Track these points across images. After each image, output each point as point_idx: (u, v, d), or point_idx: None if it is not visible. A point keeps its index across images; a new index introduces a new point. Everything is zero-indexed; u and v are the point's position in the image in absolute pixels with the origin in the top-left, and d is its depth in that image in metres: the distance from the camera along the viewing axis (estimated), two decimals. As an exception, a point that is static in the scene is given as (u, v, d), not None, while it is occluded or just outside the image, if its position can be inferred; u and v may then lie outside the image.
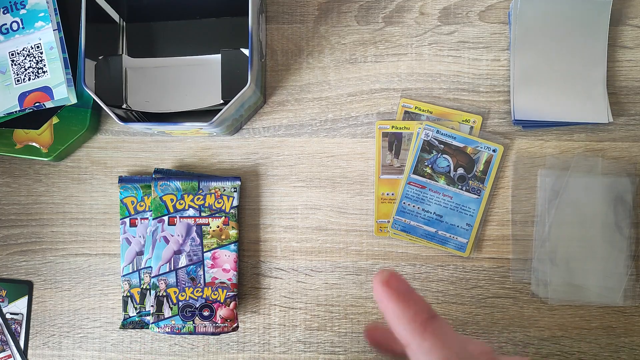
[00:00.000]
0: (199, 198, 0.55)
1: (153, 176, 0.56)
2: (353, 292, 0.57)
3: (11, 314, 0.59)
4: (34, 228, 0.60)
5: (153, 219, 0.55)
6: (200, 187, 0.56)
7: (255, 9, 0.50)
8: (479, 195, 0.55)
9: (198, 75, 0.56)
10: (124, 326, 0.56)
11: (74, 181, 0.60)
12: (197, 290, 0.54)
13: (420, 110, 0.57)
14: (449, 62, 0.57)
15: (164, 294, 0.55)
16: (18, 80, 0.55)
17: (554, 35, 0.55)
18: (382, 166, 0.57)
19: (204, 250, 0.55)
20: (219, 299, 0.54)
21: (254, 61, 0.50)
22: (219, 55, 0.54)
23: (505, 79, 0.57)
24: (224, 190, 0.55)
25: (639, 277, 0.55)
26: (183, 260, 0.55)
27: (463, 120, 0.56)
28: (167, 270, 0.55)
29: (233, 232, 0.55)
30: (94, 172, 0.59)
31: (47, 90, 0.55)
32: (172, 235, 0.55)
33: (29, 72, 0.55)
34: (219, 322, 0.54)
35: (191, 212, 0.55)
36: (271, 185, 0.58)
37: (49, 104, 0.56)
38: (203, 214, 0.55)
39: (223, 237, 0.55)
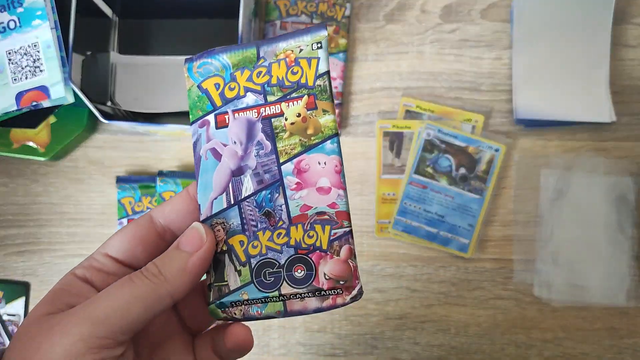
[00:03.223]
0: (260, 72, 0.33)
1: (158, 175, 0.55)
2: (354, 293, 0.56)
3: (8, 315, 0.58)
4: (31, 228, 0.59)
5: (191, 123, 0.32)
6: (261, 54, 0.33)
7: (247, 12, 0.50)
8: (481, 195, 0.55)
9: None
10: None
11: (72, 181, 0.59)
12: (279, 234, 0.30)
13: (421, 109, 0.56)
14: (450, 60, 0.57)
15: (225, 247, 0.31)
16: (15, 79, 0.55)
17: (557, 34, 0.55)
18: (383, 166, 0.56)
19: (280, 161, 0.31)
20: (318, 243, 0.30)
21: None
22: None
23: (507, 77, 0.56)
24: (300, 50, 0.32)
25: (642, 278, 0.54)
26: (248, 184, 0.32)
27: (465, 120, 0.56)
28: (225, 206, 0.31)
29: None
30: (92, 171, 0.59)
31: (44, 89, 0.55)
32: (226, 145, 0.32)
33: (26, 71, 0.55)
34: (325, 285, 0.29)
35: (250, 98, 0.32)
36: (271, 185, 0.57)
37: (46, 103, 0.55)
38: (270, 98, 0.32)
39: (310, 131, 0.31)
